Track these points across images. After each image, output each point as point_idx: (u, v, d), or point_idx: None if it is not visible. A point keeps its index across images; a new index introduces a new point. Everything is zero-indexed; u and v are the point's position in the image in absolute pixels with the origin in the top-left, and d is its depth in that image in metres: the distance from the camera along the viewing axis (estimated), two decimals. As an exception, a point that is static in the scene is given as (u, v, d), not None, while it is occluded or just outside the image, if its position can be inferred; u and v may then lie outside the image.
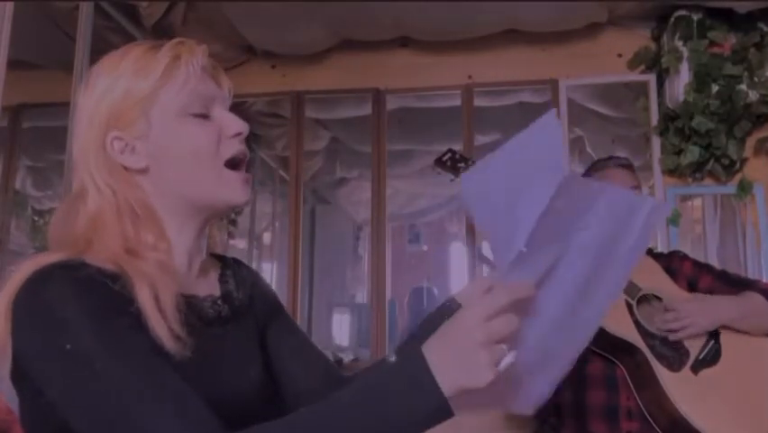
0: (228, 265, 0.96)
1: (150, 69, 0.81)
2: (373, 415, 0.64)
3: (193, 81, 0.83)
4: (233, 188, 0.84)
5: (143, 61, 0.82)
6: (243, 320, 0.91)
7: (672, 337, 1.68)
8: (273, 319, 0.98)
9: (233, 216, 3.37)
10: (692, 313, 1.67)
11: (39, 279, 0.70)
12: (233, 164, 0.85)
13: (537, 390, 0.67)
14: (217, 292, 0.89)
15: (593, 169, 1.95)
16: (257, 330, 0.94)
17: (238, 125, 0.85)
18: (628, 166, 1.96)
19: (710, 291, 1.81)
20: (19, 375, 0.73)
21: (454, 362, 0.63)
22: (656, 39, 2.68)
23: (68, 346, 0.67)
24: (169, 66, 0.82)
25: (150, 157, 0.82)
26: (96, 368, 0.66)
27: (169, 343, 0.71)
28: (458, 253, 5.12)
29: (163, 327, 0.71)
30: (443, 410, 0.63)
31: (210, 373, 0.78)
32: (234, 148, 0.85)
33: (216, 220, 0.92)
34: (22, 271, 0.72)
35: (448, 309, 0.89)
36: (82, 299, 0.69)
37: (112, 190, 0.80)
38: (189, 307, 0.79)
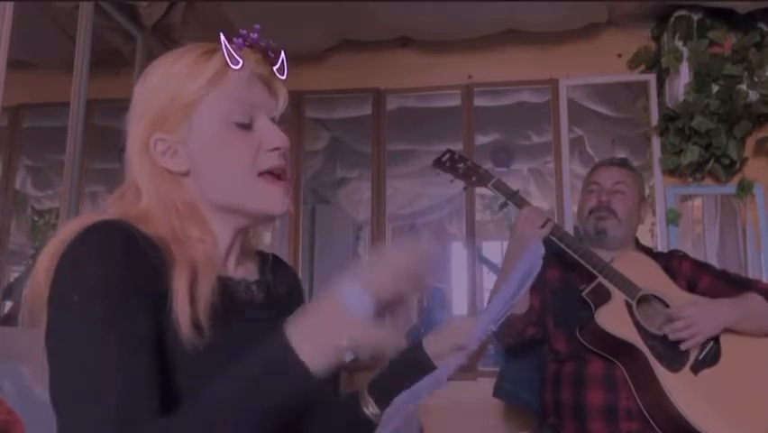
0: (269, 260, 0.95)
1: (198, 74, 0.81)
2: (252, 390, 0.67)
3: (239, 89, 0.82)
4: (269, 200, 0.84)
5: (195, 66, 0.82)
6: (279, 311, 0.88)
7: (683, 347, 1.67)
8: None
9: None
10: (698, 320, 1.67)
11: (84, 231, 0.72)
12: (271, 175, 0.84)
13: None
14: (253, 278, 0.89)
15: (589, 171, 2.03)
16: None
17: (278, 140, 0.84)
18: (618, 164, 1.98)
19: (710, 291, 1.80)
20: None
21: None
22: (656, 39, 2.68)
23: (76, 298, 0.68)
24: (217, 73, 0.81)
25: (190, 161, 0.83)
26: (86, 330, 0.68)
27: (186, 330, 0.72)
28: (458, 253, 5.11)
29: (186, 315, 0.72)
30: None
31: (235, 357, 0.78)
32: (271, 162, 0.84)
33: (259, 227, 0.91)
34: (69, 227, 0.73)
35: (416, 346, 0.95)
36: (110, 263, 0.70)
37: (156, 190, 0.82)
38: (223, 288, 0.80)
